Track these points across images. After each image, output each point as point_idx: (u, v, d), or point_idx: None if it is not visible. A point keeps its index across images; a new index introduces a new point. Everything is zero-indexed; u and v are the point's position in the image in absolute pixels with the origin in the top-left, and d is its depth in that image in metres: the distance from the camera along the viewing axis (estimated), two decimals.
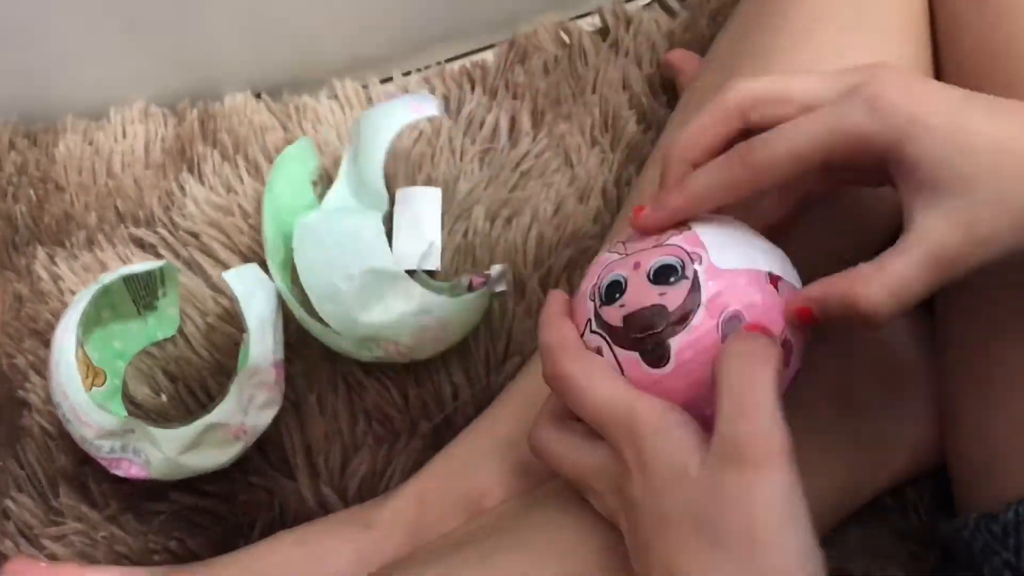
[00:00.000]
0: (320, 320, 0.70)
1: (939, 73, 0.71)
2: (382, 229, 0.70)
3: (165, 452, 0.66)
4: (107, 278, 0.70)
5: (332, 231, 0.70)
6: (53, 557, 0.69)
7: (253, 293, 0.68)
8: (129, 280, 0.72)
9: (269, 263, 0.72)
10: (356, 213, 0.76)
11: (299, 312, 0.70)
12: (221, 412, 0.66)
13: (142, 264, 0.72)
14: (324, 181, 0.82)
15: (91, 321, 0.69)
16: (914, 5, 0.68)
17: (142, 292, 0.75)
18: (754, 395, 0.44)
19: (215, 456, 0.68)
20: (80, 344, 0.68)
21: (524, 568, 0.54)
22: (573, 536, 0.54)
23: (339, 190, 0.78)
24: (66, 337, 0.67)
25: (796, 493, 0.43)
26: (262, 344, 0.67)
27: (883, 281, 0.45)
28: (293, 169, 0.77)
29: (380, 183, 0.74)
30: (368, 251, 0.68)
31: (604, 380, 0.48)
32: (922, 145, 0.45)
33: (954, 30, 0.68)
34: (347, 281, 0.67)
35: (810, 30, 0.70)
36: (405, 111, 0.74)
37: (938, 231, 0.44)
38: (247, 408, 0.68)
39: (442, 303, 0.68)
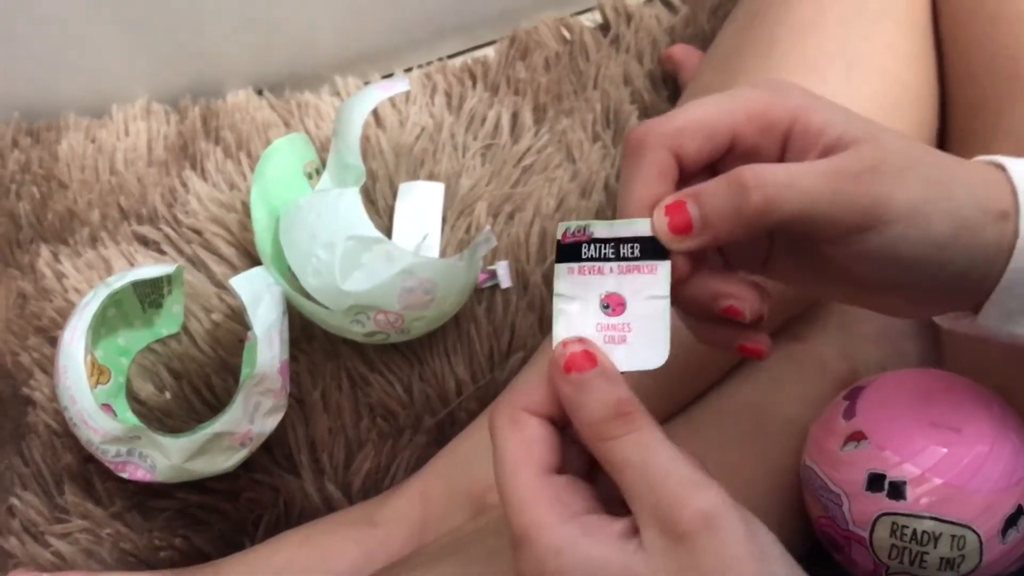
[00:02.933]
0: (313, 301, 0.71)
1: (941, 62, 0.71)
2: (359, 199, 0.71)
3: (171, 459, 0.67)
4: (116, 283, 0.70)
5: (312, 208, 0.71)
6: (58, 555, 0.69)
7: (260, 298, 0.69)
8: (137, 283, 0.73)
9: (260, 253, 0.73)
10: (334, 190, 0.77)
11: (291, 294, 0.71)
12: (228, 420, 0.67)
13: (151, 268, 0.72)
14: (321, 174, 0.83)
15: (96, 320, 0.69)
16: None
17: (148, 291, 0.75)
18: (658, 462, 0.40)
19: (220, 462, 0.69)
20: (88, 348, 0.68)
21: None
22: None
23: (325, 178, 0.80)
24: (74, 342, 0.67)
25: (757, 533, 0.40)
26: (269, 351, 0.67)
27: (776, 166, 0.43)
28: (283, 161, 0.78)
29: (357, 158, 0.75)
30: (346, 221, 0.69)
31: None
32: (828, 111, 0.44)
33: (956, 20, 0.68)
34: (327, 250, 0.69)
35: (812, 23, 0.70)
36: (378, 91, 0.76)
37: (842, 157, 0.43)
38: (253, 416, 0.68)
39: (424, 264, 0.69)
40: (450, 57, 0.96)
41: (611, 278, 0.43)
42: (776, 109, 0.44)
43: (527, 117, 0.90)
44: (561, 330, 0.43)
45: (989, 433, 0.56)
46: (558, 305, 0.43)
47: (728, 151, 0.45)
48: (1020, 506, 0.55)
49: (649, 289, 0.43)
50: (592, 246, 0.44)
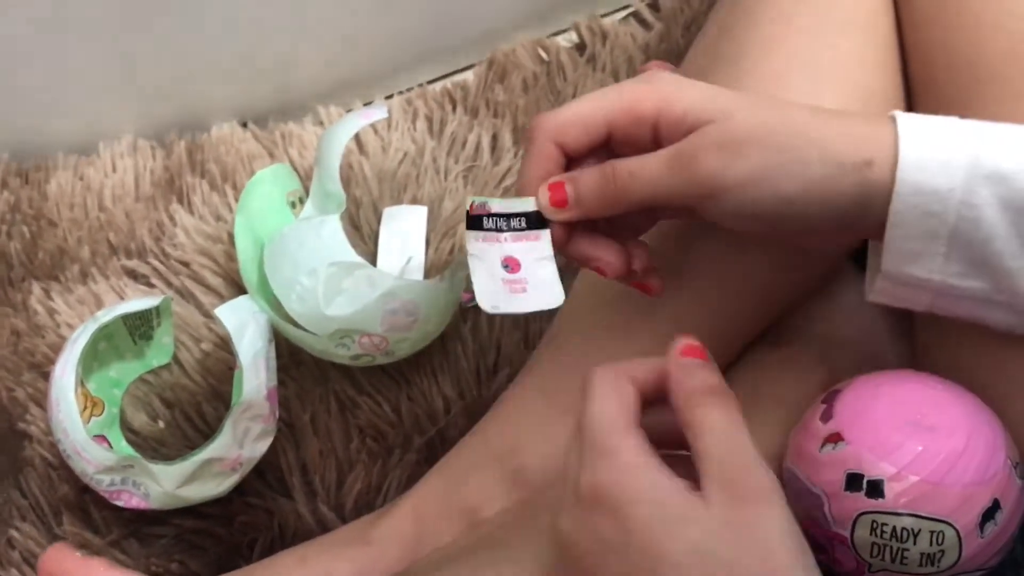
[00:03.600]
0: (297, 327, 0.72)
1: (905, 69, 0.72)
2: (340, 227, 0.75)
3: (163, 486, 0.68)
4: (104, 317, 0.71)
5: (294, 236, 0.74)
6: None
7: (245, 326, 0.70)
8: (126, 316, 0.74)
9: (245, 282, 0.75)
10: (316, 217, 0.78)
11: (277, 321, 0.72)
12: (217, 447, 0.68)
13: (139, 302, 0.73)
14: (304, 203, 0.84)
15: (88, 353, 0.71)
16: (878, 3, 0.70)
17: (138, 324, 0.77)
18: (738, 435, 0.45)
19: (212, 487, 0.70)
20: (80, 381, 0.69)
21: None
22: None
23: (308, 207, 0.81)
24: (65, 376, 0.69)
25: (797, 526, 0.44)
26: (256, 378, 0.69)
27: (634, 160, 0.53)
28: (266, 192, 0.79)
29: (337, 186, 0.77)
30: (328, 247, 0.72)
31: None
32: (689, 98, 0.52)
33: (918, 28, 0.69)
34: (310, 277, 0.71)
35: (778, 36, 0.71)
36: (357, 119, 0.78)
37: (686, 140, 0.52)
38: (243, 441, 0.69)
39: (406, 286, 0.70)
40: (430, 82, 0.98)
41: (506, 244, 0.55)
42: (644, 102, 0.53)
43: (507, 139, 0.91)
44: (477, 283, 0.54)
45: (963, 429, 0.57)
46: (472, 263, 0.54)
47: (609, 138, 0.55)
48: (996, 500, 0.56)
49: (535, 252, 0.55)
50: (490, 219, 0.55)
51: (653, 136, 0.54)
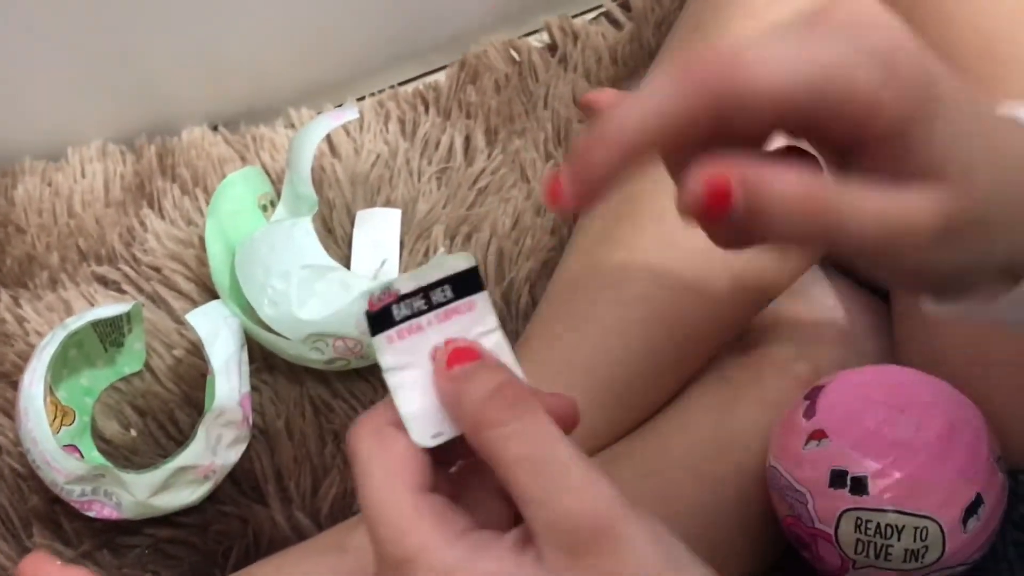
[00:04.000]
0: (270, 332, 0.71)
1: None
2: (312, 229, 0.73)
3: (136, 495, 0.67)
4: (73, 324, 0.70)
5: (265, 240, 0.72)
6: None
7: (217, 332, 0.69)
8: (96, 322, 0.73)
9: (217, 287, 0.74)
10: (288, 220, 0.77)
11: (249, 326, 0.71)
12: (190, 454, 0.67)
13: (109, 308, 0.72)
14: (275, 206, 0.83)
15: (58, 361, 0.70)
16: None
17: (109, 330, 0.76)
18: (553, 457, 0.35)
19: (185, 496, 0.69)
20: (49, 389, 0.68)
21: None
22: None
23: (280, 210, 0.80)
24: (34, 385, 0.67)
25: (662, 539, 0.36)
26: (228, 384, 0.68)
27: (870, 202, 0.35)
28: (238, 194, 0.78)
29: (309, 188, 0.75)
30: (299, 250, 0.71)
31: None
32: (936, 127, 0.35)
33: (904, 12, 0.69)
34: (283, 280, 0.69)
35: (752, 35, 0.71)
36: (328, 121, 0.77)
37: (950, 197, 0.36)
38: (216, 448, 0.69)
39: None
40: (402, 84, 0.97)
41: (432, 330, 0.39)
42: (880, 115, 0.35)
43: (480, 140, 0.91)
44: (404, 405, 0.38)
45: (945, 425, 0.57)
46: (391, 381, 0.38)
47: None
48: (979, 495, 0.56)
49: (475, 327, 0.40)
50: (402, 304, 0.39)
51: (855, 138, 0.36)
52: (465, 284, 0.39)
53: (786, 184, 0.34)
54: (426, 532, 0.36)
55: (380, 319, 0.39)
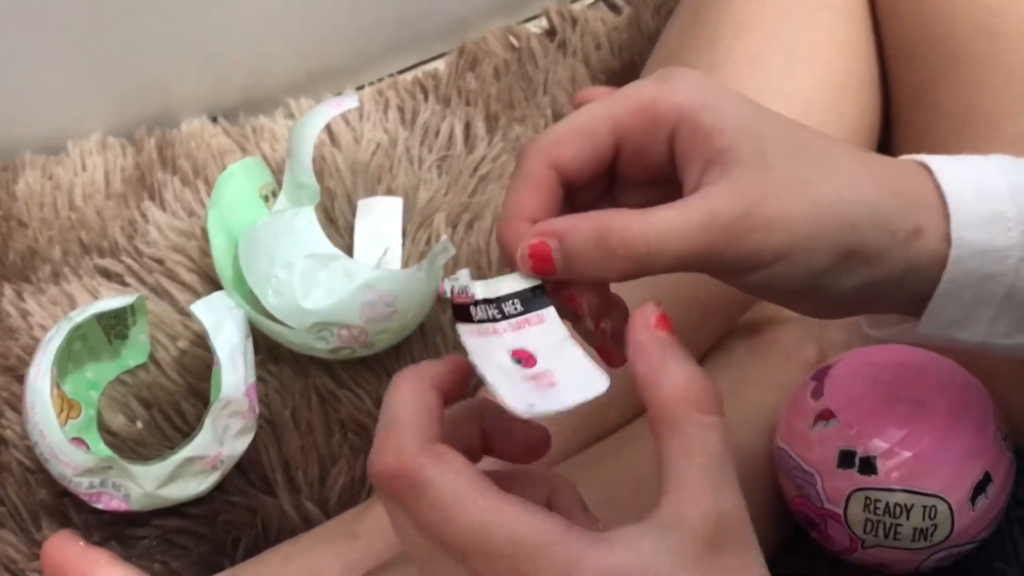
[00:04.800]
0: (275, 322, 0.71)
1: (880, 48, 0.72)
2: (314, 218, 0.73)
3: (144, 487, 0.67)
4: (78, 316, 0.70)
5: (268, 230, 0.72)
6: None
7: (222, 322, 0.69)
8: (100, 314, 0.73)
9: (220, 278, 0.74)
10: (290, 210, 0.77)
11: (254, 316, 0.71)
12: (197, 445, 0.67)
13: (113, 300, 0.72)
14: (277, 196, 0.83)
15: (63, 354, 0.70)
16: None
17: (113, 323, 0.76)
18: (727, 465, 0.37)
19: (193, 486, 0.69)
20: (55, 383, 0.68)
21: None
22: None
23: (281, 199, 0.80)
24: (40, 378, 0.67)
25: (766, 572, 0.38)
26: (234, 374, 0.68)
27: (645, 222, 0.39)
28: (239, 185, 0.78)
29: (310, 177, 0.75)
30: (303, 240, 0.71)
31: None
32: (720, 113, 0.41)
33: (892, 4, 0.70)
34: (286, 270, 0.69)
35: (753, 18, 0.71)
36: (328, 109, 0.76)
37: (721, 195, 0.39)
38: (223, 438, 0.68)
39: (383, 276, 0.70)
40: (401, 72, 0.97)
41: (508, 336, 0.41)
42: (661, 103, 0.42)
43: (480, 127, 0.91)
44: (495, 380, 0.39)
45: (953, 404, 0.57)
46: (478, 363, 0.40)
47: (619, 152, 0.43)
48: (988, 473, 0.56)
49: (546, 336, 0.42)
50: (479, 308, 0.42)
51: (668, 150, 0.42)
52: (533, 299, 0.42)
53: (582, 227, 0.40)
54: (543, 527, 0.36)
55: (461, 312, 0.41)
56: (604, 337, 0.43)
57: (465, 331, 0.41)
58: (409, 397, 0.38)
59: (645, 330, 0.39)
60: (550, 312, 0.42)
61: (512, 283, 0.42)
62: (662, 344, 0.38)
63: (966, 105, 0.65)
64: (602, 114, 0.42)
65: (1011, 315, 0.44)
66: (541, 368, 0.41)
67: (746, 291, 0.43)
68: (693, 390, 0.37)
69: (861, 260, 0.41)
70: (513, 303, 0.42)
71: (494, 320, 0.41)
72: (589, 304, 0.42)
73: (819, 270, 0.41)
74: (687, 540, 0.35)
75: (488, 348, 0.41)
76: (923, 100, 0.69)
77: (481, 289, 0.42)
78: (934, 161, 0.43)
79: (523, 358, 0.41)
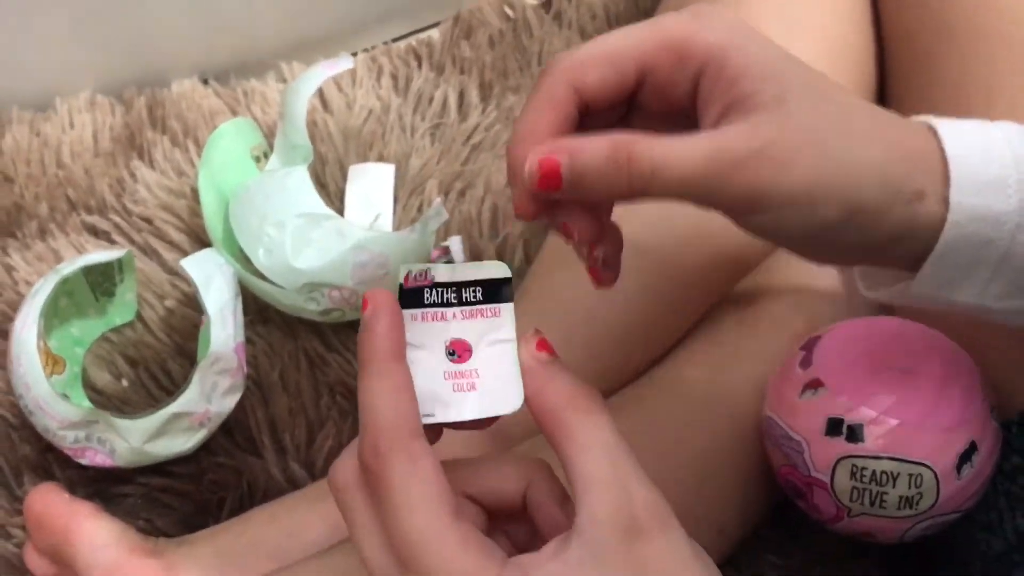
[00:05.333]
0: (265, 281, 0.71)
1: (877, 23, 0.72)
2: (307, 177, 0.73)
3: (130, 442, 0.67)
4: (66, 269, 0.69)
5: (260, 188, 0.72)
6: (21, 546, 0.69)
7: (212, 279, 0.68)
8: (87, 270, 0.72)
9: (211, 237, 0.73)
10: (282, 169, 0.77)
11: (244, 275, 0.71)
12: (185, 401, 0.67)
13: (101, 254, 0.72)
14: (268, 157, 0.83)
15: (49, 310, 0.69)
16: None
17: (100, 280, 0.75)
18: (624, 452, 0.39)
19: (180, 443, 0.69)
20: (41, 336, 0.67)
21: None
22: None
23: (273, 160, 0.80)
24: (26, 330, 0.67)
25: (696, 546, 0.39)
26: (223, 331, 0.67)
27: (656, 142, 0.41)
28: (230, 145, 0.78)
29: (304, 138, 0.75)
30: (294, 198, 0.70)
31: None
32: (749, 58, 0.42)
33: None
34: (278, 228, 0.69)
35: None
36: (322, 71, 0.76)
37: (732, 133, 0.41)
38: (211, 395, 0.68)
39: (376, 238, 0.69)
40: (395, 40, 0.97)
41: (455, 323, 0.42)
42: (694, 42, 0.42)
43: (474, 95, 0.90)
44: (415, 375, 0.40)
45: (940, 373, 0.57)
46: (409, 354, 0.40)
47: (642, 83, 0.43)
48: (973, 442, 0.56)
49: (494, 332, 0.42)
50: (434, 291, 0.42)
51: (693, 86, 0.43)
52: (496, 291, 0.42)
53: (596, 144, 0.41)
54: (477, 563, 0.36)
55: (410, 296, 0.41)
56: (595, 262, 0.45)
57: (409, 317, 0.41)
58: (390, 389, 0.38)
59: (528, 355, 0.41)
60: (508, 308, 0.42)
61: (479, 271, 0.42)
62: (543, 364, 0.40)
63: (961, 72, 0.66)
64: (631, 44, 0.42)
65: (1005, 279, 0.45)
66: (470, 366, 0.42)
67: (751, 232, 0.43)
68: (577, 396, 0.39)
69: (863, 217, 0.42)
70: (475, 291, 0.42)
71: (447, 305, 0.42)
72: (581, 231, 0.43)
73: (823, 221, 0.42)
74: (606, 540, 0.37)
75: (428, 334, 0.41)
76: (919, 74, 0.69)
77: (445, 272, 0.42)
78: (942, 126, 0.44)
79: (458, 349, 0.42)
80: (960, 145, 0.43)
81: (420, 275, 0.41)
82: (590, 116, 0.43)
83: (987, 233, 0.43)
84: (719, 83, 0.42)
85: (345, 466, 0.40)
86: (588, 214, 0.43)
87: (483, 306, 0.42)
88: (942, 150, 0.43)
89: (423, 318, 0.41)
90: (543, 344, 0.41)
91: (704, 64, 0.42)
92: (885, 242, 0.43)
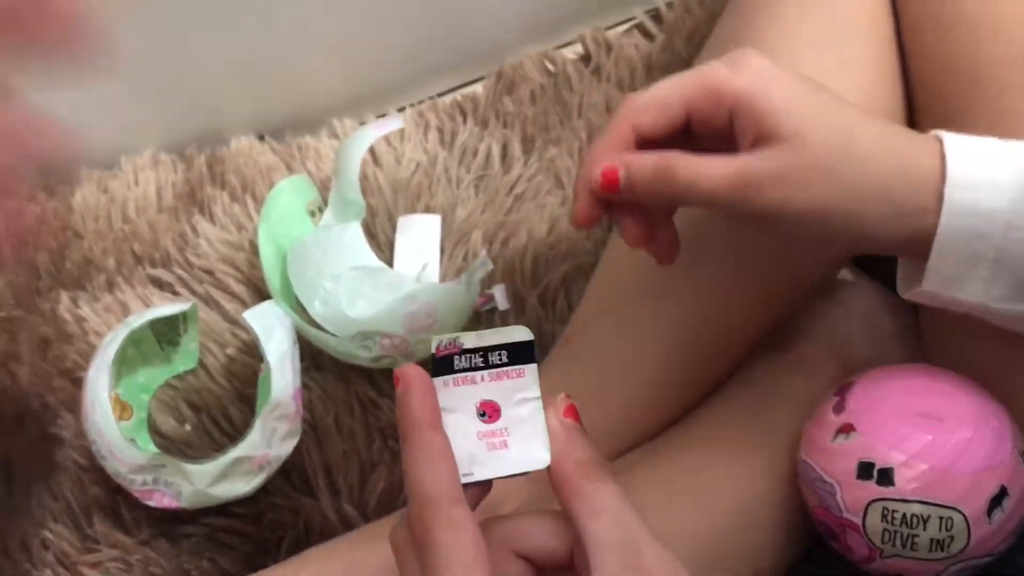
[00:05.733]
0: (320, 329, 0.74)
1: (905, 74, 0.74)
2: (360, 233, 0.78)
3: (195, 484, 0.70)
4: (135, 322, 0.74)
5: (317, 243, 0.77)
6: None
7: (272, 329, 0.72)
8: (154, 321, 0.76)
9: (269, 288, 0.77)
10: (338, 225, 0.81)
11: (300, 324, 0.75)
12: (247, 446, 0.71)
13: (168, 307, 0.76)
14: (323, 212, 0.86)
15: (117, 358, 0.73)
16: (880, 9, 0.72)
17: (165, 330, 0.79)
18: (633, 515, 0.44)
19: (241, 486, 0.72)
20: (111, 384, 0.71)
21: None
22: None
23: (327, 215, 0.84)
24: (100, 378, 0.71)
25: None
26: (283, 379, 0.71)
27: (691, 160, 0.51)
28: (287, 201, 0.82)
29: (357, 194, 0.79)
30: (349, 252, 0.75)
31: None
32: (773, 100, 0.51)
33: (917, 33, 0.72)
34: (333, 281, 0.74)
35: (783, 44, 0.72)
36: (373, 130, 0.81)
37: (756, 158, 0.51)
38: (271, 440, 0.72)
39: (426, 289, 0.73)
40: (440, 95, 1.00)
41: (482, 386, 0.46)
42: (726, 86, 0.52)
43: (516, 148, 0.94)
44: (453, 440, 0.44)
45: (970, 419, 0.59)
46: (444, 419, 0.45)
47: (689, 120, 0.53)
48: (1003, 487, 0.58)
49: (520, 392, 0.46)
50: (463, 357, 0.46)
51: (729, 121, 0.53)
52: (520, 354, 0.46)
53: (646, 158, 0.53)
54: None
55: (442, 365, 0.46)
56: (654, 254, 0.58)
57: (441, 384, 0.45)
58: (429, 460, 0.43)
59: (555, 419, 0.46)
60: (531, 369, 0.46)
61: (503, 336, 0.46)
62: (568, 430, 0.46)
63: (988, 130, 0.67)
64: (677, 90, 0.53)
65: (1004, 280, 0.52)
66: (499, 425, 0.46)
67: (775, 233, 0.56)
68: (592, 465, 0.45)
69: (870, 230, 0.52)
70: (500, 354, 0.46)
71: (476, 369, 0.46)
72: (631, 227, 0.56)
73: (834, 233, 0.52)
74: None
75: (460, 399, 0.46)
76: (949, 127, 0.71)
77: (472, 339, 0.46)
78: (949, 139, 0.52)
79: (488, 410, 0.46)
80: (959, 151, 0.51)
81: (449, 344, 0.46)
82: (649, 144, 0.54)
83: (980, 227, 0.50)
84: (749, 120, 0.51)
85: (399, 530, 0.45)
86: (640, 216, 0.56)
87: (508, 368, 0.46)
88: (943, 158, 0.51)
89: (455, 383, 0.46)
90: (571, 410, 0.46)
91: (736, 105, 0.52)
92: (893, 247, 0.53)
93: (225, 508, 0.74)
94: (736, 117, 0.52)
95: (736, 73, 0.52)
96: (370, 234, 0.88)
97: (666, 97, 0.53)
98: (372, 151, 0.93)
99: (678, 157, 0.52)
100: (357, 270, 0.74)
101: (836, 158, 0.51)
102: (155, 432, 0.79)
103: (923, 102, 0.73)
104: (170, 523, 0.75)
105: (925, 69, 0.72)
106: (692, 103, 0.53)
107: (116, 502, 0.75)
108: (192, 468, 0.69)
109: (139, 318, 0.73)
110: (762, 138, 0.51)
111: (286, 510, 0.76)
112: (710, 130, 0.54)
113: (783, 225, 0.52)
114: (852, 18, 0.71)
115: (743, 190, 0.51)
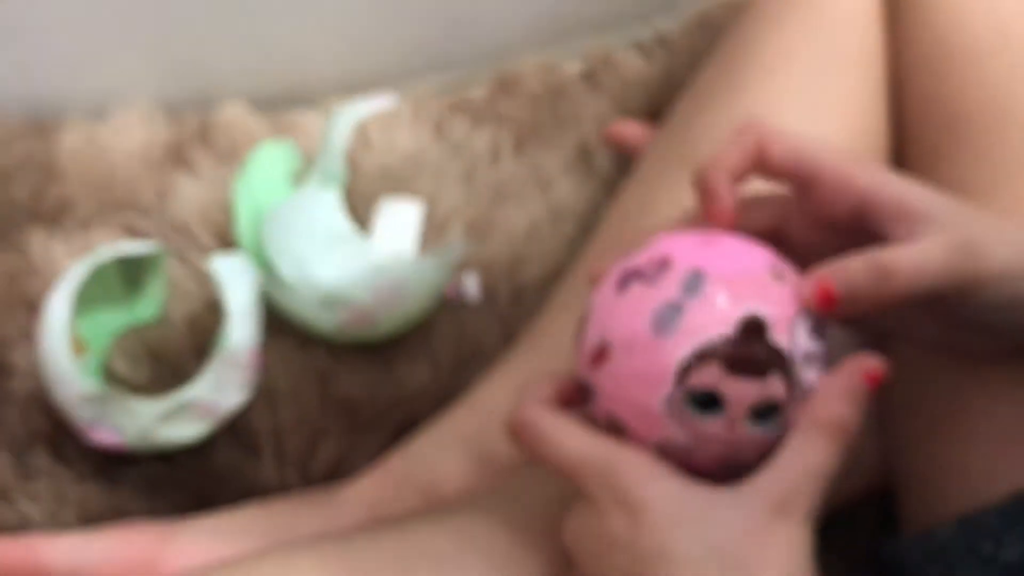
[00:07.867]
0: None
1: (899, 113, 0.75)
2: (338, 201, 0.77)
3: (139, 422, 0.70)
4: (103, 255, 0.74)
5: (295, 206, 0.77)
6: (23, 516, 0.72)
7: (237, 280, 0.72)
8: (122, 260, 0.76)
9: (242, 247, 0.78)
10: (317, 191, 0.82)
11: (267, 284, 0.75)
12: (196, 390, 0.70)
13: (137, 245, 0.76)
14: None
15: (81, 294, 0.73)
16: (875, 43, 0.73)
17: (132, 273, 0.79)
18: (815, 468, 0.46)
19: (187, 431, 0.72)
20: (71, 314, 0.71)
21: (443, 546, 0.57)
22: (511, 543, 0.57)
23: (309, 185, 0.84)
24: (59, 304, 0.70)
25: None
26: (241, 330, 0.71)
27: (900, 256, 0.48)
28: (270, 164, 0.82)
29: (339, 164, 0.80)
30: (326, 219, 0.74)
31: (576, 431, 0.49)
32: (899, 187, 0.51)
33: (906, 72, 0.73)
34: (305, 243, 0.73)
35: (779, 72, 0.74)
36: (365, 106, 0.81)
37: (945, 234, 0.49)
38: (222, 389, 0.71)
39: (397, 261, 0.73)
40: (438, 90, 1.01)
41: None
42: (858, 179, 0.51)
43: (507, 150, 0.94)
44: None
45: None
46: None
47: (800, 189, 0.52)
48: None
49: None
50: None
51: (849, 215, 0.51)
52: None
53: (852, 265, 0.49)
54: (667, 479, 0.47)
55: None
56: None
57: None
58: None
59: None
60: None
61: None
62: None
63: (963, 175, 0.68)
64: (819, 151, 0.52)
65: None
66: None
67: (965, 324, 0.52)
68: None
69: None
70: None
71: None
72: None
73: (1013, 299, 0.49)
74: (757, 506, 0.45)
75: None
76: (932, 170, 0.72)
77: None
78: None
79: None
80: None
81: None
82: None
83: None
84: (883, 212, 0.50)
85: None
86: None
87: None
88: None
89: None
90: (871, 378, 0.49)
91: (862, 198, 0.51)
92: None
93: (168, 456, 0.74)
94: (867, 210, 0.50)
95: (859, 165, 0.52)
96: (354, 216, 0.88)
97: (806, 151, 0.51)
98: (363, 135, 0.94)
99: (882, 255, 0.48)
100: (331, 235, 0.74)
101: (988, 222, 0.50)
102: (110, 377, 0.78)
103: (910, 137, 0.74)
104: (112, 464, 0.74)
105: (917, 106, 0.73)
106: (824, 177, 0.51)
107: (60, 437, 0.75)
108: (137, 404, 0.69)
109: (107, 253, 0.73)
110: (917, 223, 0.49)
111: (229, 468, 0.75)
112: (803, 215, 0.53)
113: (986, 296, 0.49)
114: (849, 50, 0.73)
115: (958, 258, 0.48)
